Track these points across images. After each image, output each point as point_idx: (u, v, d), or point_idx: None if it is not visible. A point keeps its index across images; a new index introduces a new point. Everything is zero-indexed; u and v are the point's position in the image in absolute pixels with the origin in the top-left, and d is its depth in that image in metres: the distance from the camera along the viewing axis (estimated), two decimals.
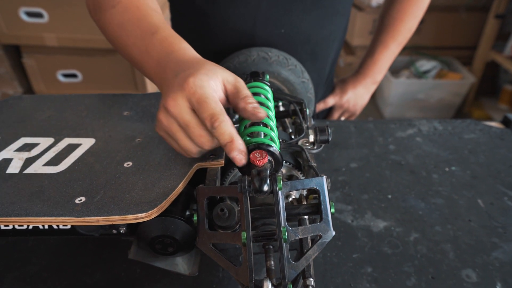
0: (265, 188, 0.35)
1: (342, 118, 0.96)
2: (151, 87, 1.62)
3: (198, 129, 0.39)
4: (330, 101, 0.91)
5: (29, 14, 1.41)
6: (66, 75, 1.57)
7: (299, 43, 0.75)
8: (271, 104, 0.48)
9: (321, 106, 0.90)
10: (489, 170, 0.71)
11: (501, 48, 2.28)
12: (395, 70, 2.55)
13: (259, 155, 0.36)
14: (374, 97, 2.68)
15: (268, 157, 0.38)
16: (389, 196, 0.65)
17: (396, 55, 0.88)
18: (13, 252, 0.55)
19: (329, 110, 0.95)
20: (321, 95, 0.89)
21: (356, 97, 0.92)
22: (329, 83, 0.91)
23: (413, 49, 2.58)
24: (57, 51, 1.50)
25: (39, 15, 1.41)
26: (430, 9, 2.50)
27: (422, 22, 2.59)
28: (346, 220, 0.60)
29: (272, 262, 0.40)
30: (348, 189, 0.66)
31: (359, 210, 0.62)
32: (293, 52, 0.75)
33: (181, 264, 0.46)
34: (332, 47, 0.81)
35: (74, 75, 1.57)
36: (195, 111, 0.39)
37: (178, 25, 0.80)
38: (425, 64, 2.46)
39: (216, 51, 0.73)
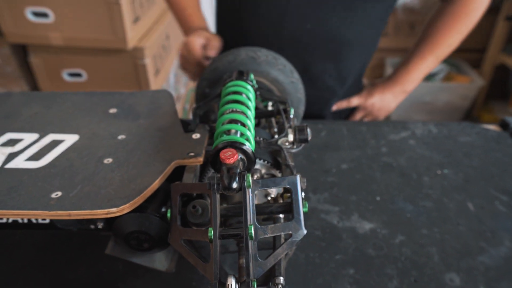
0: (234, 185, 0.35)
1: (365, 121, 0.95)
2: (154, 86, 1.63)
3: (192, 64, 0.80)
4: (355, 101, 0.91)
5: (36, 14, 1.44)
6: (71, 74, 1.60)
7: (324, 40, 0.77)
8: (251, 103, 0.48)
9: (344, 105, 0.91)
10: (483, 173, 0.69)
11: (511, 51, 2.24)
12: None
13: (229, 153, 0.36)
14: None
15: (238, 155, 0.38)
16: (378, 198, 0.64)
17: (432, 68, 0.86)
18: None
19: (352, 110, 0.95)
20: (341, 96, 0.89)
21: (382, 102, 0.91)
22: (354, 86, 0.91)
23: None
24: (62, 50, 1.52)
25: (45, 15, 1.43)
26: None
27: None
28: (332, 221, 0.60)
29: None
30: (337, 190, 0.66)
31: (346, 211, 0.61)
32: (317, 48, 0.78)
33: (158, 261, 0.46)
34: (360, 51, 0.82)
35: (79, 74, 1.60)
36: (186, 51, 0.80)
37: (221, 13, 0.88)
38: None
39: (249, 41, 0.79)
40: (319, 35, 0.77)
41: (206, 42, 0.80)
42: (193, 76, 0.86)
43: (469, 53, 2.55)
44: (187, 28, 0.87)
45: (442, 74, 2.41)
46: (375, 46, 0.87)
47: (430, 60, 0.84)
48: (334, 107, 0.91)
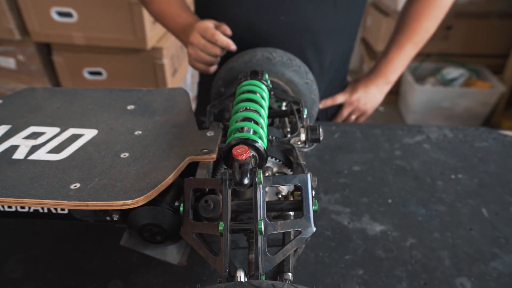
0: (245, 181, 0.36)
1: (353, 117, 0.95)
2: (172, 85, 1.66)
3: (209, 45, 0.71)
4: (339, 98, 0.91)
5: (60, 13, 1.48)
6: (91, 73, 1.64)
7: (299, 31, 0.77)
8: (265, 103, 0.48)
9: (328, 102, 0.90)
10: (498, 179, 0.68)
11: None
12: (420, 77, 2.49)
13: (242, 149, 0.37)
14: (397, 104, 2.63)
15: (250, 152, 0.38)
16: (390, 201, 0.64)
17: (412, 55, 0.86)
18: (21, 235, 0.58)
19: (339, 109, 0.95)
20: (323, 89, 0.89)
21: (367, 96, 0.91)
22: (338, 83, 0.91)
23: (440, 56, 2.51)
24: (84, 49, 1.57)
25: (69, 15, 1.48)
26: (459, 15, 2.43)
27: (450, 28, 2.51)
28: (342, 222, 0.60)
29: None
30: (348, 192, 0.66)
31: (356, 213, 0.62)
32: (294, 40, 0.78)
33: (170, 254, 0.47)
34: (338, 40, 0.82)
35: (99, 73, 1.64)
36: (204, 37, 0.71)
37: (198, 10, 0.87)
38: (452, 72, 2.39)
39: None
40: (294, 25, 0.77)
41: (214, 25, 0.73)
42: (209, 64, 0.75)
43: (491, 59, 2.50)
44: (186, 28, 0.76)
45: (461, 80, 2.37)
46: (353, 38, 0.87)
47: (409, 48, 0.84)
48: (320, 106, 0.90)
